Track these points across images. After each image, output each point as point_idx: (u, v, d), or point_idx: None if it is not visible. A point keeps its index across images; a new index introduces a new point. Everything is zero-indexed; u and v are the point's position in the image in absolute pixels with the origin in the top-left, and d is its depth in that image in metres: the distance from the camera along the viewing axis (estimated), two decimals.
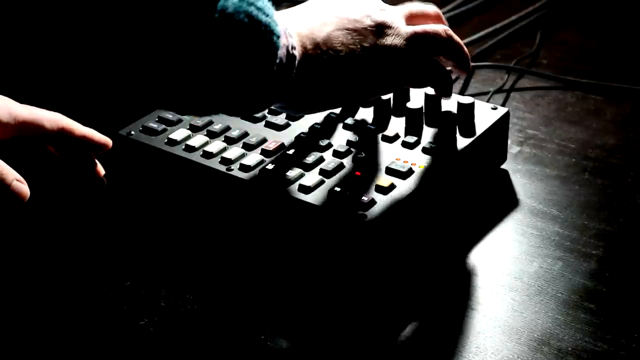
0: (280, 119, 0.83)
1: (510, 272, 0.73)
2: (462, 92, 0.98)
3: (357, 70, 0.70)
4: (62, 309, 0.72)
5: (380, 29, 0.71)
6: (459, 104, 0.80)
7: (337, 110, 0.83)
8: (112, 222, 0.81)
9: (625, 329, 0.67)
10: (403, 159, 0.77)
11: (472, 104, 0.80)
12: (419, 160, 0.77)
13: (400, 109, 0.83)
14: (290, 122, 0.83)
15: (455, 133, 0.79)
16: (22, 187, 0.67)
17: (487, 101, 0.94)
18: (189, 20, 0.59)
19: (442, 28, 0.75)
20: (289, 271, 0.74)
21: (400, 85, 0.76)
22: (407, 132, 0.80)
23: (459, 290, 0.72)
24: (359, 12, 0.71)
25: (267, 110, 0.84)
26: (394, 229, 0.73)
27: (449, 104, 0.82)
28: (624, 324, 0.67)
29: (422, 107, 0.80)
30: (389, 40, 0.71)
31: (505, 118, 0.83)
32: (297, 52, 0.67)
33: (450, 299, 0.71)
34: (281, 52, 0.64)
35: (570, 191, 0.82)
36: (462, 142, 0.78)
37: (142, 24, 0.58)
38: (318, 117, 0.83)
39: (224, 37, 0.60)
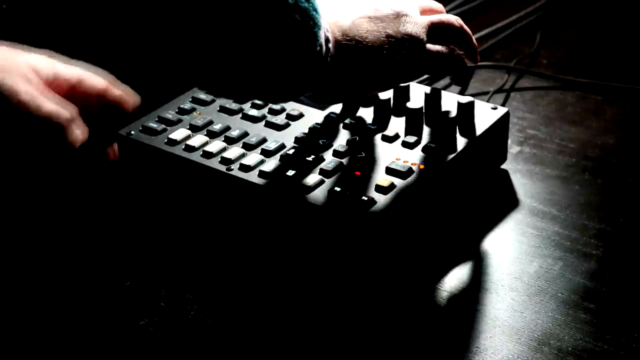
0: (281, 119, 0.83)
1: (510, 272, 0.73)
2: (462, 92, 0.98)
3: (383, 58, 0.71)
4: (62, 309, 0.72)
5: (400, 17, 0.73)
6: (459, 104, 0.80)
7: (338, 110, 0.83)
8: (112, 222, 0.81)
9: (625, 329, 0.67)
10: (403, 159, 0.77)
11: (472, 104, 0.80)
12: (419, 160, 0.77)
13: (400, 109, 0.83)
14: (290, 122, 0.83)
15: (455, 133, 0.79)
16: (79, 130, 0.67)
17: (487, 101, 0.94)
18: None
19: (454, 18, 0.77)
20: (289, 271, 0.74)
21: (422, 73, 0.77)
22: (407, 132, 0.80)
23: (459, 290, 0.72)
24: (378, 1, 0.73)
25: (267, 110, 0.84)
26: (394, 228, 0.73)
27: (449, 104, 0.82)
28: (624, 324, 0.67)
29: (422, 107, 0.80)
30: (409, 29, 0.73)
31: (505, 118, 0.83)
32: (331, 37, 0.68)
33: (451, 299, 0.71)
34: (322, 33, 0.65)
35: (570, 191, 0.82)
36: (462, 142, 0.78)
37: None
38: (318, 117, 0.83)
39: (276, 15, 0.62)
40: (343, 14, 0.71)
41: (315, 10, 0.64)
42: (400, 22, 0.72)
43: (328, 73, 0.68)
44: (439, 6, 0.80)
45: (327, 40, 0.67)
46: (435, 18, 0.76)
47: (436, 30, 0.75)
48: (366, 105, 0.83)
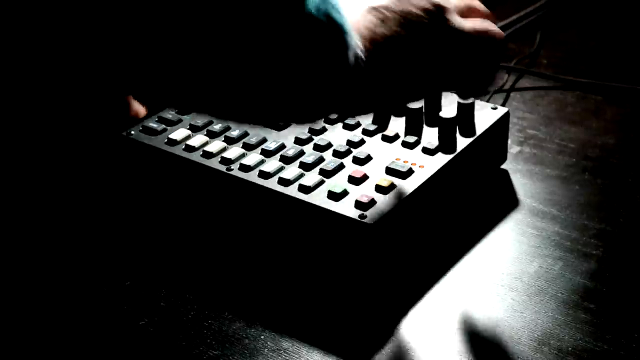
0: None
1: (510, 272, 0.73)
2: None
3: (416, 67, 0.66)
4: (62, 309, 0.72)
5: (435, 17, 0.65)
6: (459, 104, 0.80)
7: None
8: (112, 222, 0.81)
9: (625, 329, 0.67)
10: (403, 159, 0.77)
11: (472, 104, 0.80)
12: (419, 160, 0.77)
13: (400, 109, 0.83)
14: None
15: (455, 133, 0.79)
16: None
17: (487, 101, 0.94)
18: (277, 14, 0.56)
19: (498, 30, 0.70)
20: (289, 270, 0.74)
21: (451, 86, 0.70)
22: (407, 132, 0.80)
23: (459, 290, 0.72)
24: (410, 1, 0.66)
25: None
26: (394, 229, 0.73)
27: (449, 104, 0.82)
28: (624, 324, 0.67)
29: (422, 107, 0.80)
30: (444, 33, 0.65)
31: (505, 118, 0.83)
32: (362, 53, 0.63)
33: (450, 299, 0.71)
34: (352, 53, 0.61)
35: (570, 191, 0.82)
36: (462, 142, 0.78)
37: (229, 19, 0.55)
38: None
39: (308, 34, 0.58)
40: (373, 20, 0.65)
41: (346, 32, 0.60)
42: (435, 23, 0.65)
43: (359, 87, 0.63)
44: (483, 8, 0.71)
45: (358, 57, 0.62)
46: (479, 26, 0.68)
47: (475, 40, 0.67)
48: (398, 115, 0.81)
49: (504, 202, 0.82)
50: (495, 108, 0.83)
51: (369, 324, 0.69)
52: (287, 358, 0.66)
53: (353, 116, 0.72)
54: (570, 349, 0.66)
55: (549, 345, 0.66)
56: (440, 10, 0.66)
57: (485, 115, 0.82)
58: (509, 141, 0.87)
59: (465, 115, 0.80)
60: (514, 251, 0.75)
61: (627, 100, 0.96)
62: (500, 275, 0.73)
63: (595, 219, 0.78)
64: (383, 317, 0.69)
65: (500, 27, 1.08)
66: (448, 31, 0.65)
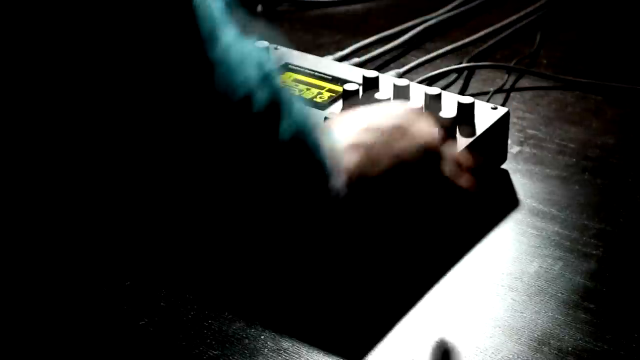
0: None
1: (510, 272, 0.73)
2: (462, 92, 0.98)
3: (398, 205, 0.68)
4: (62, 309, 0.72)
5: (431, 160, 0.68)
6: (459, 104, 0.80)
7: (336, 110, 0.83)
8: (112, 221, 0.81)
9: (625, 329, 0.67)
10: None
11: (472, 104, 0.80)
12: None
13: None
14: None
15: (456, 133, 0.79)
16: None
17: (487, 101, 0.94)
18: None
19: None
20: (290, 270, 0.74)
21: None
22: None
23: (459, 290, 0.72)
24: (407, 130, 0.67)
25: None
26: (392, 228, 0.73)
27: (449, 104, 0.82)
28: (624, 324, 0.67)
29: (422, 107, 0.80)
30: (436, 177, 0.68)
31: (505, 118, 0.83)
32: (342, 184, 0.62)
33: (450, 299, 0.71)
34: (334, 182, 0.60)
35: (570, 191, 0.82)
36: (462, 142, 0.78)
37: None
38: (318, 117, 0.83)
39: (281, 163, 0.57)
40: (355, 158, 0.63)
41: (324, 161, 0.59)
42: (429, 165, 0.67)
43: (340, 219, 0.63)
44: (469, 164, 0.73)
45: (338, 188, 0.61)
46: (465, 181, 0.70)
47: (458, 192, 0.70)
48: None
49: (504, 202, 0.81)
50: (495, 108, 0.83)
51: (369, 324, 0.69)
52: (287, 358, 0.66)
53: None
54: (570, 349, 0.66)
55: (549, 345, 0.66)
56: (436, 155, 0.67)
57: (485, 115, 0.82)
58: (509, 141, 0.87)
59: (465, 115, 0.80)
60: (514, 251, 0.75)
61: (627, 100, 0.96)
62: (500, 275, 0.73)
63: (595, 219, 0.78)
64: (383, 317, 0.69)
65: (500, 27, 1.08)
66: (438, 176, 0.68)
